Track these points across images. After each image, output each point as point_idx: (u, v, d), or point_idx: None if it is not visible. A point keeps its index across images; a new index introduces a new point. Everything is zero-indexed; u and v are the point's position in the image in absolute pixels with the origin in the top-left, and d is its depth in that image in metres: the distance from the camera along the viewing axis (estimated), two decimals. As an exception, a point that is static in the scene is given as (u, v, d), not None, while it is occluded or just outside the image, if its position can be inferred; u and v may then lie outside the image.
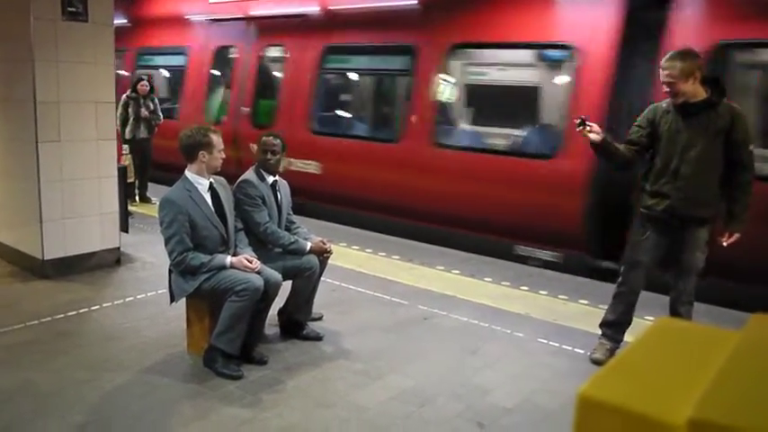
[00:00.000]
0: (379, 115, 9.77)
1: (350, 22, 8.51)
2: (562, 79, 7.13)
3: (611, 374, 1.02)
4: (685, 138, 3.92)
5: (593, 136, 4.03)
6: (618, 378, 1.02)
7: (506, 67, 8.31)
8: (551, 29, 6.82)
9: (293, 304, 4.44)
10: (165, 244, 3.93)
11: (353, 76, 9.68)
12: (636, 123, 4.18)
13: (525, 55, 7.86)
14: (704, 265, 4.08)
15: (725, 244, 4.04)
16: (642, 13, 6.20)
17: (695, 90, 3.89)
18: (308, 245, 4.38)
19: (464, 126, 8.29)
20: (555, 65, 7.45)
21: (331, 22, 8.67)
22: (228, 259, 3.92)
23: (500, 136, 7.85)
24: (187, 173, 4.04)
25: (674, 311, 4.13)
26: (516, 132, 7.64)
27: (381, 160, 7.90)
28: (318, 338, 4.43)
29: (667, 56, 3.94)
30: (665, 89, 3.95)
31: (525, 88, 8.04)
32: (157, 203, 4.08)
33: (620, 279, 4.28)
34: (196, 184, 4.01)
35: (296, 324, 4.46)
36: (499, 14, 7.13)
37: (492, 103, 8.27)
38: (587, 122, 4.05)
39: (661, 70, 3.93)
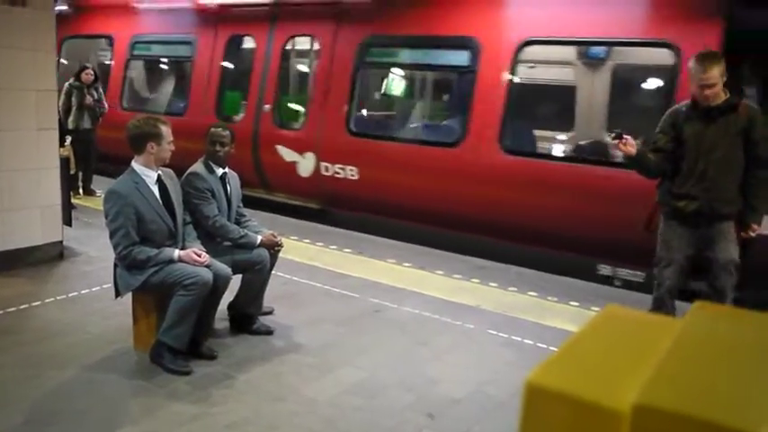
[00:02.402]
0: None
1: None
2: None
3: (558, 362, 1.04)
4: (709, 140, 4.03)
5: (629, 149, 4.07)
6: (565, 366, 1.04)
7: None
8: None
9: (243, 298, 4.39)
10: (111, 237, 3.83)
11: None
12: (658, 131, 4.25)
13: None
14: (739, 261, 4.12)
15: (753, 235, 4.16)
16: None
17: (721, 93, 4.00)
18: (259, 238, 4.34)
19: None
20: None
21: None
22: (176, 253, 3.85)
23: None
24: (134, 164, 3.94)
25: None
26: None
27: None
28: (269, 332, 4.39)
29: (705, 59, 3.96)
30: (706, 92, 3.99)
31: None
32: (102, 196, 3.96)
33: (657, 282, 4.31)
34: (144, 176, 3.91)
35: (246, 318, 4.41)
36: None
37: None
38: (624, 136, 4.08)
39: (701, 74, 3.94)
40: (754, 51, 5.45)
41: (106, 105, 8.65)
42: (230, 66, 9.20)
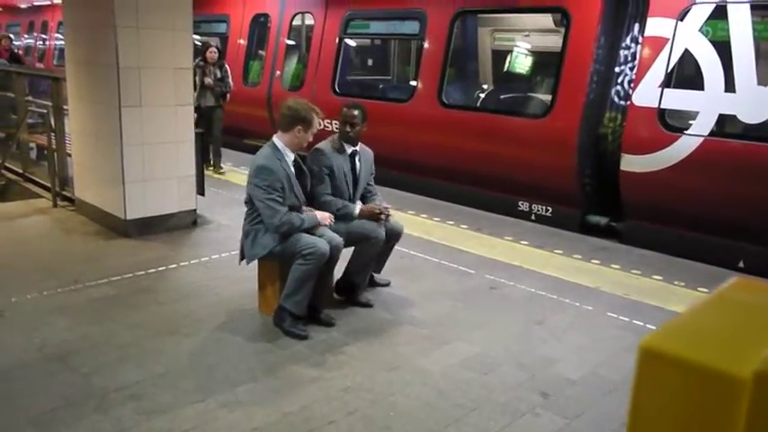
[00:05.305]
0: None
1: None
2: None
3: (674, 328, 1.00)
4: None
5: None
6: (681, 332, 1.00)
7: None
8: None
9: (353, 266, 4.47)
10: (264, 210, 3.97)
11: None
12: None
13: None
14: None
15: None
16: None
17: None
18: (357, 208, 4.41)
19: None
20: None
21: None
22: (318, 216, 4.12)
23: None
24: (276, 141, 4.10)
25: None
26: None
27: None
28: (368, 306, 4.46)
29: None
30: None
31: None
32: (252, 170, 4.06)
33: None
34: (285, 155, 4.09)
35: (351, 287, 4.51)
36: None
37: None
38: None
39: None
40: None
41: (231, 83, 9.03)
42: (253, 40, 11.32)
